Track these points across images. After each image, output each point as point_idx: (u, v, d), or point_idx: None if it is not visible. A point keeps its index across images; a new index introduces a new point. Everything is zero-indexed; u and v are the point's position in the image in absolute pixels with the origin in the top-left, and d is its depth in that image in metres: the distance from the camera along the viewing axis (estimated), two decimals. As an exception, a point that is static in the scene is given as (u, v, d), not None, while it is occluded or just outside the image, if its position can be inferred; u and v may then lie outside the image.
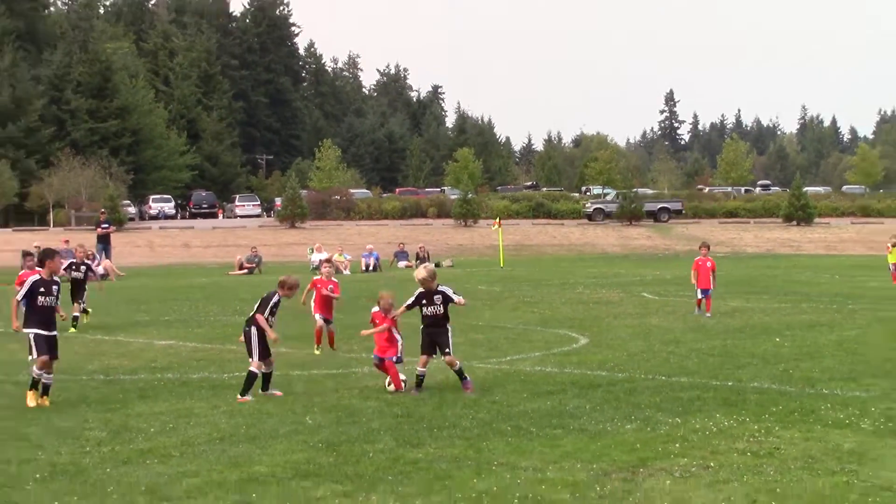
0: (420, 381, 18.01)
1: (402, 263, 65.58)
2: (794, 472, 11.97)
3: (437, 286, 18.81)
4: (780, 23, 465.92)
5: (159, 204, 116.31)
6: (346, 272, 58.55)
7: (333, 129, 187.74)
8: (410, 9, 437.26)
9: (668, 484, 11.52)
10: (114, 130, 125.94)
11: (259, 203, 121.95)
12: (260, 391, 17.69)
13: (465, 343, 24.59)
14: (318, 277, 24.49)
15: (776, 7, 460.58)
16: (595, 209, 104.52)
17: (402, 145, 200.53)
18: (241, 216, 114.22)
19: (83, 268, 30.61)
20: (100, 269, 53.80)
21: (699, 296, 30.76)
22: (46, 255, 17.94)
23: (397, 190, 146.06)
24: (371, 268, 61.39)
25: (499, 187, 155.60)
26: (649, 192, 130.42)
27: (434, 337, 18.25)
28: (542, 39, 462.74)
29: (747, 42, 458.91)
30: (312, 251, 62.68)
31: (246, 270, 59.32)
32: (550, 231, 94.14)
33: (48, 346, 17.14)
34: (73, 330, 27.59)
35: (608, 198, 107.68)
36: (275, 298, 18.26)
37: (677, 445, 13.38)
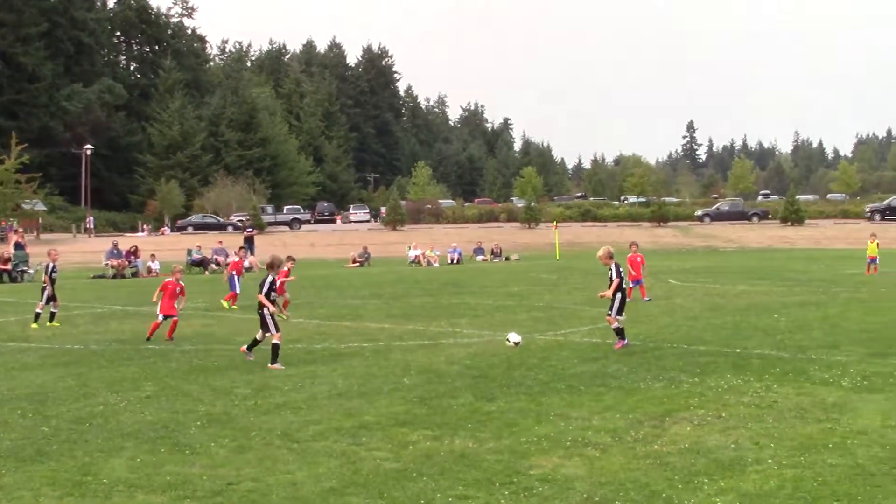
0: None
1: (479, 258, 65.55)
2: (788, 421, 11.83)
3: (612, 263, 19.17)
4: (778, 66, 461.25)
5: (291, 215, 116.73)
6: (436, 264, 58.59)
7: (426, 153, 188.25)
8: (487, 60, 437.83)
9: (689, 430, 11.42)
10: (257, 156, 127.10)
11: (368, 211, 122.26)
12: (246, 348, 17.73)
13: (528, 319, 24.52)
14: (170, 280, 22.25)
15: (774, 55, 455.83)
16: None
17: (480, 165, 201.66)
18: (355, 221, 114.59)
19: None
20: (246, 264, 54.28)
21: (631, 285, 29.34)
22: None
23: (475, 200, 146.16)
24: (455, 261, 61.28)
25: (555, 197, 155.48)
26: (675, 200, 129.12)
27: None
28: (590, 79, 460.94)
29: (752, 81, 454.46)
30: (409, 248, 62.71)
31: (358, 264, 59.43)
32: (596, 231, 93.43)
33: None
34: None
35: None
36: (268, 279, 17.50)
37: (696, 399, 13.25)
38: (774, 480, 9.23)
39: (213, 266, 53.30)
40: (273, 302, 17.38)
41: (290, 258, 28.68)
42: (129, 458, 10.52)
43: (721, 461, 9.98)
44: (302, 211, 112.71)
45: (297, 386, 14.98)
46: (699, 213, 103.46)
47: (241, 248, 37.59)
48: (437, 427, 11.80)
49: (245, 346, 17.89)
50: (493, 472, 9.72)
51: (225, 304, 29.85)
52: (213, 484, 9.45)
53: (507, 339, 18.73)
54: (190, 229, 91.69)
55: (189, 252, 57.06)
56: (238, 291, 30.36)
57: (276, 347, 17.12)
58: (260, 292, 17.33)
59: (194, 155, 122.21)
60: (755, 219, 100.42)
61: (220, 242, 59.95)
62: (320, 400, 13.78)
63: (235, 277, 30.78)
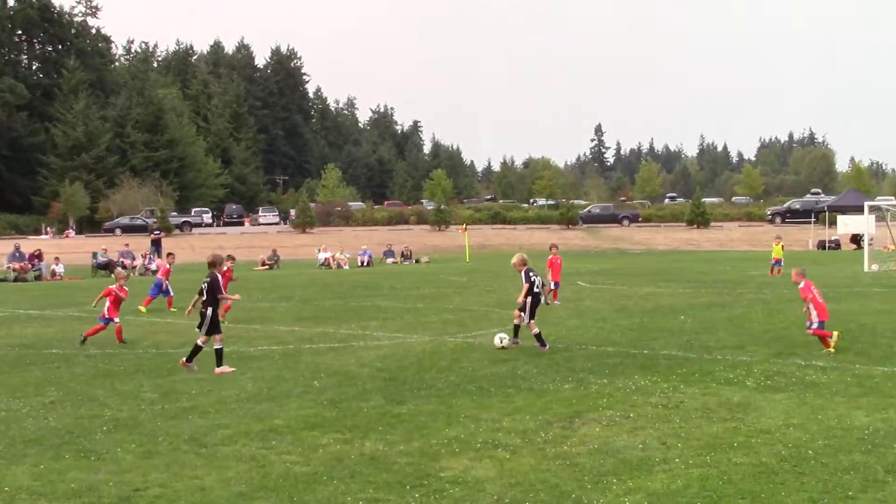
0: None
1: (389, 260, 65.52)
2: (694, 420, 12.01)
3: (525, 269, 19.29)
4: (682, 70, 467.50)
5: (183, 217, 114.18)
6: (346, 267, 58.46)
7: (335, 156, 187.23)
8: (395, 62, 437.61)
9: (598, 430, 11.53)
10: (164, 158, 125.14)
11: (277, 213, 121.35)
12: (185, 359, 17.09)
13: (439, 322, 24.57)
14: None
15: (679, 60, 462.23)
16: None
17: (390, 167, 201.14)
18: (264, 224, 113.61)
19: None
20: (153, 266, 53.60)
21: (552, 287, 29.49)
22: None
23: (385, 202, 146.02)
24: (365, 263, 61.20)
25: (465, 200, 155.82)
26: (583, 202, 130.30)
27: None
28: (498, 83, 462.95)
29: (658, 86, 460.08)
30: (319, 251, 62.44)
31: (267, 267, 59.09)
32: (505, 234, 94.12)
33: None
34: None
35: None
36: (216, 277, 17.35)
37: (605, 400, 13.39)
38: (681, 479, 9.37)
39: (119, 269, 52.41)
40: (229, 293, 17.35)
41: (230, 257, 28.19)
42: (33, 465, 10.33)
43: (629, 461, 10.11)
44: (209, 212, 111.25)
45: (205, 390, 14.82)
46: None
47: (168, 253, 37.47)
48: (348, 430, 11.77)
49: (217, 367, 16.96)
50: (404, 474, 9.72)
51: (172, 309, 29.88)
52: (119, 490, 9.31)
53: (497, 338, 19.25)
54: (118, 231, 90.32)
55: (94, 255, 56.15)
56: (172, 294, 30.87)
57: (197, 349, 17.01)
58: (221, 293, 17.42)
59: (100, 156, 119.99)
60: (626, 221, 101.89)
61: (127, 245, 59.14)
62: (229, 404, 13.66)
63: (165, 282, 31.14)
